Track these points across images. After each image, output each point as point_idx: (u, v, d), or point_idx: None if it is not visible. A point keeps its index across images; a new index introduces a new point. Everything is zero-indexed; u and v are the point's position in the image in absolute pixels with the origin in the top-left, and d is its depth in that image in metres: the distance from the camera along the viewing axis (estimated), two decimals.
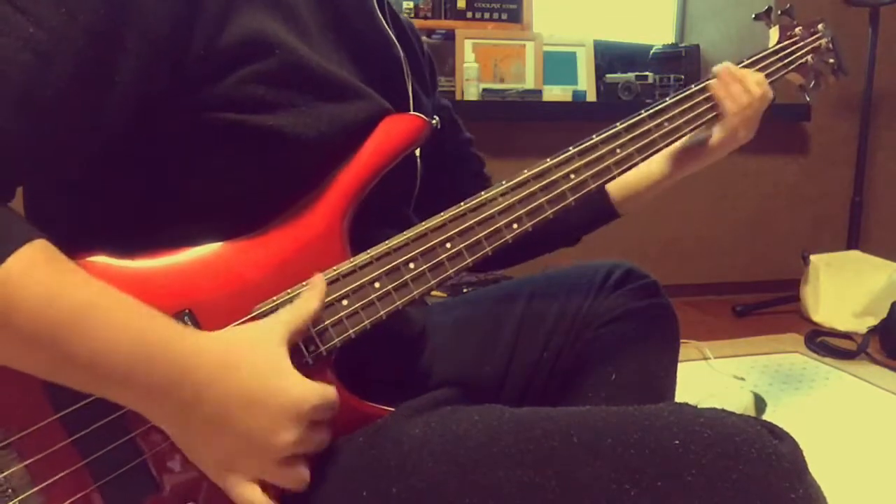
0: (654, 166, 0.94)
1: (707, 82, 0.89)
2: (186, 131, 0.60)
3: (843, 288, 2.32)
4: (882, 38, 2.41)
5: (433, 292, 1.17)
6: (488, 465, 0.57)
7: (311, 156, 0.63)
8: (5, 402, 0.54)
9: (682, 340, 0.94)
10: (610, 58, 2.63)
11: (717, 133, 0.90)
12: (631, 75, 2.43)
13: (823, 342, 2.09)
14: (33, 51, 0.51)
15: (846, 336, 2.13)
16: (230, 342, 0.55)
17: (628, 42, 2.77)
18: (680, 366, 0.93)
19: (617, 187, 0.94)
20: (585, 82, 2.50)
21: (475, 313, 0.94)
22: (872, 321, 2.19)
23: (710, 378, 1.86)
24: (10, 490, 0.53)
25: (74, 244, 0.56)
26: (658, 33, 2.94)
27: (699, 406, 0.60)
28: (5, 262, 0.48)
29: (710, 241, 2.65)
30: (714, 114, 0.89)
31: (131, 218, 0.62)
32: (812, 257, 2.38)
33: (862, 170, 2.53)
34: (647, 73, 2.47)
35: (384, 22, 0.75)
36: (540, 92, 2.39)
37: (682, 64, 2.61)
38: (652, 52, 2.70)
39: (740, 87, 0.89)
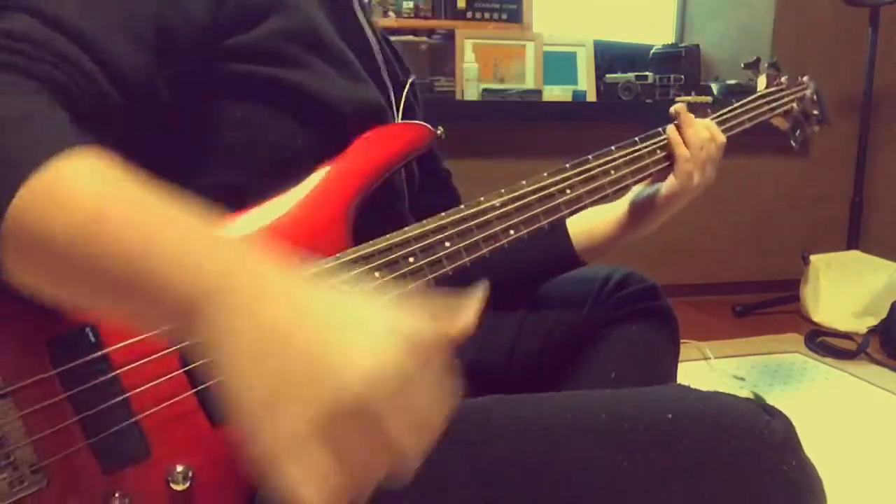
0: (618, 218, 0.92)
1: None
2: (218, 84, 0.62)
3: (843, 288, 2.32)
4: (882, 38, 2.41)
5: None
6: (483, 441, 0.58)
7: (327, 121, 0.66)
8: (6, 353, 0.54)
9: (682, 340, 0.94)
10: (610, 58, 2.63)
11: (669, 181, 0.88)
12: (631, 75, 2.43)
13: (823, 342, 2.09)
14: None
15: (846, 336, 2.13)
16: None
17: (628, 42, 2.77)
18: (680, 366, 0.93)
19: (582, 238, 0.92)
20: (585, 82, 2.50)
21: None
22: (872, 321, 2.19)
23: (710, 378, 1.87)
24: (3, 439, 0.53)
25: None
26: (658, 33, 2.94)
27: None
28: (50, 162, 0.44)
29: (710, 241, 2.65)
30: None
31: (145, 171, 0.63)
32: (812, 257, 2.38)
33: (862, 170, 2.53)
34: (647, 73, 2.47)
35: (365, 24, 0.78)
36: (540, 92, 2.39)
37: (682, 64, 2.61)
38: (652, 52, 2.70)
39: (693, 130, 0.87)
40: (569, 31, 2.64)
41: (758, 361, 1.99)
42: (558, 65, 2.49)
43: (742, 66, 1.13)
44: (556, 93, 2.46)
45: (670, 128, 0.87)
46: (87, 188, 0.44)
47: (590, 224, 0.92)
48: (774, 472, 0.53)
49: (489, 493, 0.56)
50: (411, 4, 2.38)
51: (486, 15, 2.45)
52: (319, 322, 0.38)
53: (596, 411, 0.58)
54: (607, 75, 2.50)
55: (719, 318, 2.42)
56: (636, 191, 0.90)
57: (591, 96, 2.49)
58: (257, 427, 0.37)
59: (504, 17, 2.47)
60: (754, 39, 2.65)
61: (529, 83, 2.43)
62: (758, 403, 0.58)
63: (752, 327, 2.31)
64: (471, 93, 2.31)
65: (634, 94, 2.40)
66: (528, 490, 0.55)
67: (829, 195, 2.72)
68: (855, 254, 2.43)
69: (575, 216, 0.80)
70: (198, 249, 0.42)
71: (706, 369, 1.92)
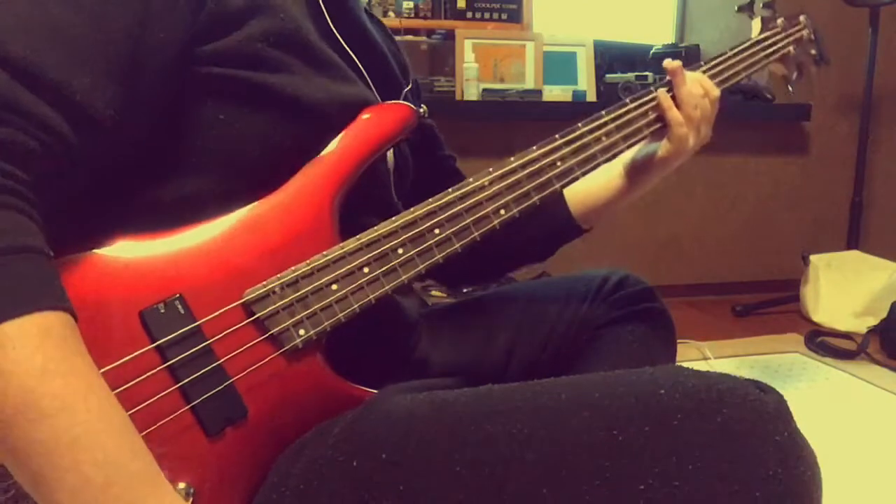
0: (613, 180, 0.92)
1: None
2: (194, 87, 0.61)
3: (843, 288, 2.32)
4: (882, 38, 2.41)
5: (434, 292, 1.17)
6: (477, 422, 0.58)
7: (308, 122, 0.65)
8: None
9: (682, 340, 0.95)
10: (610, 58, 2.63)
11: (664, 145, 0.86)
12: (631, 75, 2.43)
13: (823, 342, 2.09)
14: (85, 11, 0.54)
15: (846, 336, 2.13)
16: None
17: (628, 42, 2.76)
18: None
19: (577, 202, 0.92)
20: (585, 82, 2.50)
21: (474, 315, 0.95)
22: (872, 321, 2.19)
23: None
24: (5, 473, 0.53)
25: (73, 219, 0.57)
26: (658, 33, 2.93)
27: None
28: (12, 321, 0.47)
29: (710, 241, 2.65)
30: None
31: (124, 182, 0.62)
32: (812, 257, 2.37)
33: (862, 170, 2.53)
34: (647, 73, 2.47)
35: (367, 26, 0.78)
36: (540, 92, 2.39)
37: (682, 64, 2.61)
38: (652, 52, 2.69)
39: (686, 89, 0.85)
40: (569, 31, 2.64)
41: (758, 361, 1.99)
42: (558, 65, 2.49)
43: (736, 9, 1.07)
44: (556, 93, 2.46)
45: (661, 91, 0.85)
46: (22, 375, 0.46)
47: (583, 190, 0.91)
48: (766, 441, 0.54)
49: (482, 474, 0.56)
50: (411, 4, 2.38)
51: (486, 15, 2.45)
52: None
53: (588, 390, 0.59)
54: (607, 75, 2.50)
55: (719, 318, 2.42)
56: (630, 152, 0.89)
57: (591, 96, 2.49)
58: None
59: (504, 17, 2.47)
60: None
61: (529, 83, 2.43)
62: (749, 380, 0.59)
63: (752, 327, 2.31)
64: (471, 93, 2.31)
65: (634, 94, 2.40)
66: (521, 467, 0.55)
67: (829, 195, 2.72)
68: (855, 254, 2.43)
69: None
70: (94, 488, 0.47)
71: (706, 369, 1.92)
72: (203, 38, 0.61)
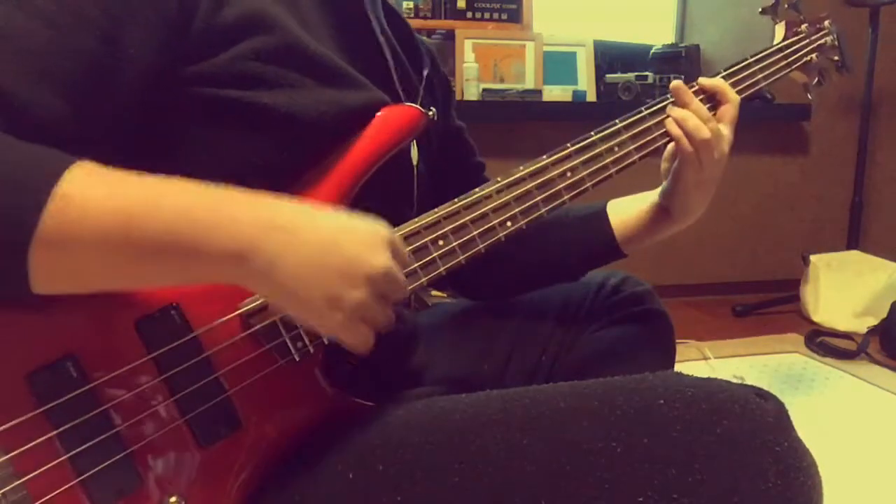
0: (646, 214, 0.88)
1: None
2: (182, 108, 0.60)
3: (843, 288, 2.32)
4: (882, 38, 2.41)
5: (434, 292, 1.16)
6: (475, 431, 0.58)
7: (308, 138, 0.63)
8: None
9: (682, 340, 0.94)
10: (610, 58, 2.63)
11: (682, 173, 0.81)
12: (631, 75, 2.43)
13: (823, 342, 2.09)
14: (45, 21, 0.52)
15: (846, 336, 2.13)
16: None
17: (628, 42, 2.76)
18: (680, 366, 0.93)
19: (621, 226, 0.89)
20: (585, 82, 2.50)
21: (474, 316, 0.95)
22: (872, 321, 2.19)
23: None
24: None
25: None
26: (658, 33, 2.93)
27: None
28: (63, 175, 0.48)
29: (710, 241, 2.65)
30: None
31: None
32: (812, 257, 2.37)
33: (862, 170, 2.53)
34: (647, 73, 2.47)
35: (377, 29, 0.75)
36: (540, 92, 2.39)
37: (682, 64, 2.61)
38: (652, 52, 2.69)
39: (694, 121, 0.79)
40: (569, 31, 2.64)
41: (758, 361, 1.99)
42: (558, 65, 2.49)
43: (759, 11, 1.00)
44: (556, 93, 2.46)
45: (669, 121, 0.79)
46: (102, 193, 0.49)
47: (623, 217, 0.89)
48: (766, 452, 0.53)
49: (480, 484, 0.56)
50: (411, 4, 2.38)
51: (486, 15, 2.45)
52: (341, 235, 0.54)
53: (587, 399, 0.58)
54: (607, 75, 2.50)
55: (719, 318, 2.42)
56: (663, 185, 0.86)
57: (591, 96, 2.49)
58: (325, 317, 0.54)
59: (504, 17, 2.47)
60: (754, 39, 2.65)
61: (529, 83, 2.43)
62: (749, 387, 0.59)
63: (752, 327, 2.31)
64: (471, 93, 2.31)
65: (634, 94, 2.40)
66: (518, 477, 0.55)
67: (829, 195, 2.72)
68: (855, 254, 2.43)
69: (612, 207, 0.80)
70: (227, 210, 0.52)
71: (706, 369, 1.92)
72: (191, 58, 0.59)
